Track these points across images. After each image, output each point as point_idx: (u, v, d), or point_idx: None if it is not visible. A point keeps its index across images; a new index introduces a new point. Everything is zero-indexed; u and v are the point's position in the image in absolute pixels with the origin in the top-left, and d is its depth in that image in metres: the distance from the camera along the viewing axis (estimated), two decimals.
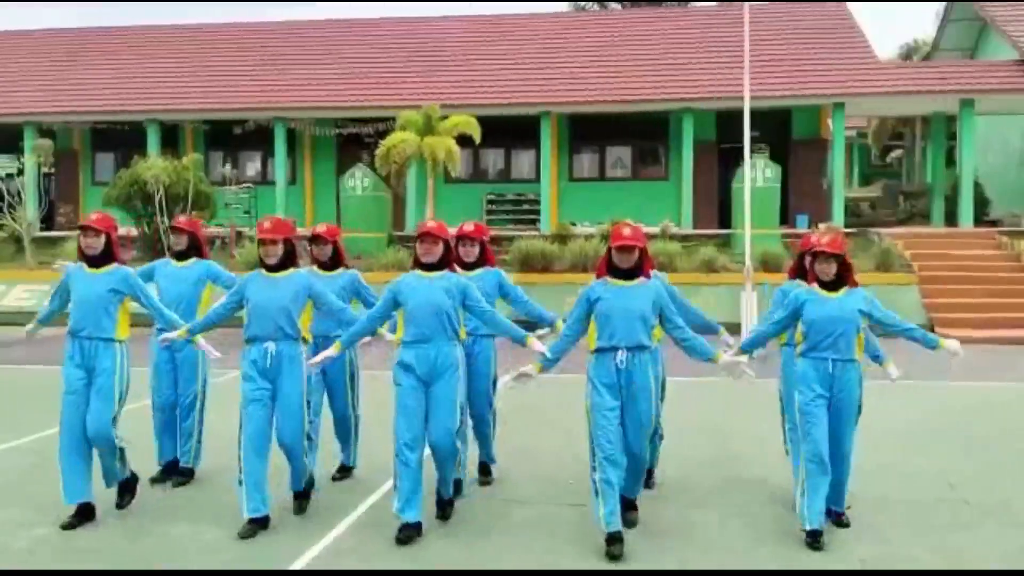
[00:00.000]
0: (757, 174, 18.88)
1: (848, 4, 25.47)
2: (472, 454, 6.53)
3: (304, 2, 53.78)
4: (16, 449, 7.67)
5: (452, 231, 5.91)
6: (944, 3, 27.43)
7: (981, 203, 23.08)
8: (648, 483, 6.26)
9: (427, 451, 5.55)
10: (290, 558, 5.19)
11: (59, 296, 5.89)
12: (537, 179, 22.96)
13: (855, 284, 5.63)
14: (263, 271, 5.72)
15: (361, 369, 6.84)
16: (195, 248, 6.75)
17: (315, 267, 6.60)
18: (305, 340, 5.75)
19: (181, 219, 7.03)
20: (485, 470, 6.70)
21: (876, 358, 6.04)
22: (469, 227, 6.48)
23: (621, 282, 5.30)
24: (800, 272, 6.26)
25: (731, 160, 21.00)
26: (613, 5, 38.41)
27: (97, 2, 45.00)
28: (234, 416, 5.69)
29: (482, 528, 5.72)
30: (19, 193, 21.47)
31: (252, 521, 5.52)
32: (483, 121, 19.71)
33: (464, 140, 19.73)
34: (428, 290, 5.49)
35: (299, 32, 26.76)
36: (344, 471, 6.76)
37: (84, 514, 5.70)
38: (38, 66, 25.99)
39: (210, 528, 5.62)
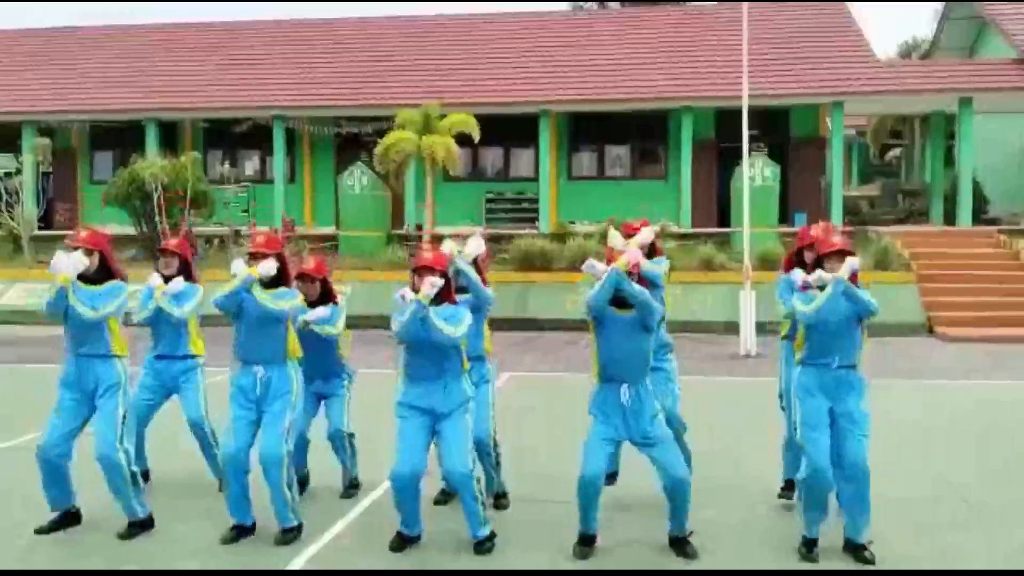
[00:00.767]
0: (756, 173, 18.89)
1: (847, 3, 25.46)
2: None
3: (305, 2, 53.66)
4: (15, 448, 7.67)
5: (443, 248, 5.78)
6: (943, 2, 27.44)
7: (980, 202, 23.08)
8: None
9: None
10: (289, 557, 5.19)
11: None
12: (536, 178, 22.94)
13: (857, 285, 5.25)
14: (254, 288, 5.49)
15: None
16: (185, 271, 6.54)
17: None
18: (294, 359, 5.62)
19: (171, 242, 6.79)
20: (500, 495, 6.24)
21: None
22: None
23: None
24: (796, 266, 5.93)
25: (730, 159, 20.98)
26: (612, 4, 38.39)
27: (97, 2, 44.88)
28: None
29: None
30: (17, 192, 21.48)
31: (235, 527, 5.49)
32: (482, 120, 19.70)
33: (463, 139, 19.72)
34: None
35: (298, 31, 26.71)
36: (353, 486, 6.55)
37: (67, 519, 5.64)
38: (37, 65, 25.95)
39: (210, 528, 5.60)
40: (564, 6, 39.30)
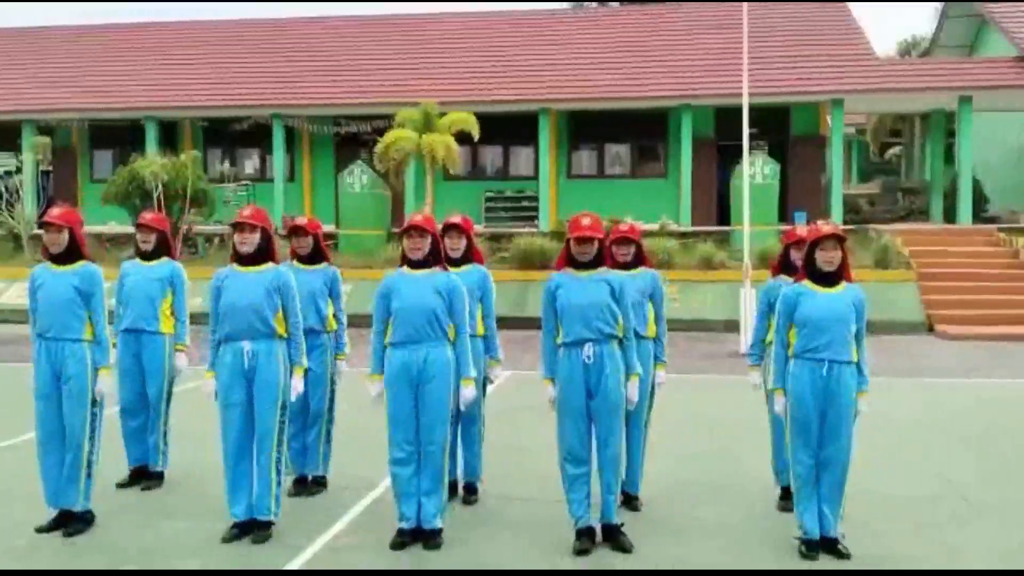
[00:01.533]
0: (756, 171, 18.86)
1: (847, 1, 25.45)
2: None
3: (305, 1, 53.64)
4: (15, 447, 7.67)
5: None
6: (943, 1, 27.42)
7: (980, 200, 23.06)
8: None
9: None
10: (289, 557, 5.19)
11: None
12: (536, 176, 22.92)
13: (851, 280, 5.24)
14: (235, 266, 5.44)
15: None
16: (164, 247, 6.50)
17: (294, 261, 6.30)
18: (282, 336, 5.45)
19: (147, 216, 6.66)
20: (471, 489, 6.25)
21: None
22: (456, 218, 6.13)
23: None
24: (785, 268, 5.98)
25: (730, 157, 20.96)
26: (612, 3, 38.34)
27: (97, 1, 44.87)
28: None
29: (480, 526, 5.72)
30: (17, 190, 21.47)
31: (236, 525, 5.45)
32: (482, 118, 19.68)
33: (463, 137, 19.71)
34: (416, 290, 5.24)
35: (298, 29, 26.70)
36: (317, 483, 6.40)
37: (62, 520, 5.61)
38: (36, 63, 25.93)
39: (210, 526, 5.60)
40: (564, 4, 39.24)
